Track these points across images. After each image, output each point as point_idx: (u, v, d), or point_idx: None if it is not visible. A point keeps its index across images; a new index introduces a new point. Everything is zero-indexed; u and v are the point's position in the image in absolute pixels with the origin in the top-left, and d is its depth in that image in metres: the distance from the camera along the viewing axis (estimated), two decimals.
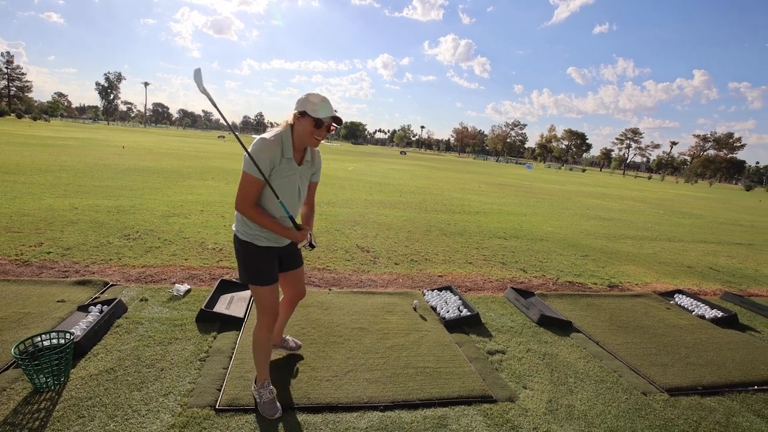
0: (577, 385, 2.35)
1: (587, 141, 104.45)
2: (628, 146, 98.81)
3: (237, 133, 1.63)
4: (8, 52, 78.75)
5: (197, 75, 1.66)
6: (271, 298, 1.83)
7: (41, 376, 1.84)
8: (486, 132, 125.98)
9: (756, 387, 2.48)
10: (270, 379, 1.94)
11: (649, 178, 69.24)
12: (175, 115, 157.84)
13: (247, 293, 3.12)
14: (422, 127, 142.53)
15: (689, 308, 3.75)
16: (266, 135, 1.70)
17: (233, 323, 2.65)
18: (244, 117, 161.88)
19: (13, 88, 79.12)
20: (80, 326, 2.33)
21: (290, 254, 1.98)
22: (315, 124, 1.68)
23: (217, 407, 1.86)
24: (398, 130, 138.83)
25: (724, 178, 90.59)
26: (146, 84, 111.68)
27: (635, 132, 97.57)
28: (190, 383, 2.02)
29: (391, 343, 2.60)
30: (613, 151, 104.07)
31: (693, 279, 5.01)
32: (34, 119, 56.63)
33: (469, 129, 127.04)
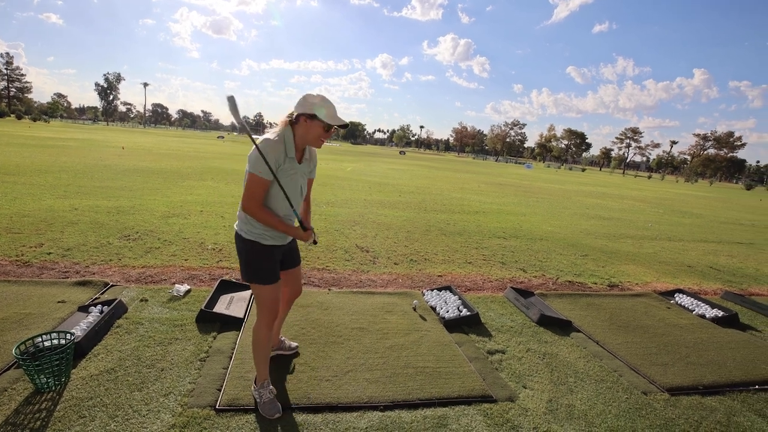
0: (578, 384, 2.35)
1: (587, 140, 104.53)
2: (628, 145, 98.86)
3: (261, 152, 1.66)
4: (8, 53, 78.96)
5: (232, 103, 1.66)
6: (272, 297, 1.85)
7: (42, 376, 1.84)
8: (485, 132, 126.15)
9: (757, 386, 2.48)
10: (270, 379, 1.94)
11: (649, 177, 69.24)
12: (175, 116, 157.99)
13: (247, 293, 3.12)
14: (421, 126, 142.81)
15: (690, 308, 3.75)
16: (269, 135, 1.71)
17: (233, 323, 2.65)
18: (244, 117, 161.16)
19: (13, 89, 79.20)
20: (81, 327, 2.33)
21: (290, 252, 2.01)
22: (324, 129, 1.73)
23: (217, 407, 1.87)
24: (397, 130, 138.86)
25: (724, 177, 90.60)
26: (145, 84, 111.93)
27: (635, 131, 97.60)
28: (191, 383, 2.02)
29: (391, 343, 2.60)
30: (612, 150, 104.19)
31: (693, 278, 5.01)
32: (34, 120, 56.66)
33: (469, 129, 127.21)
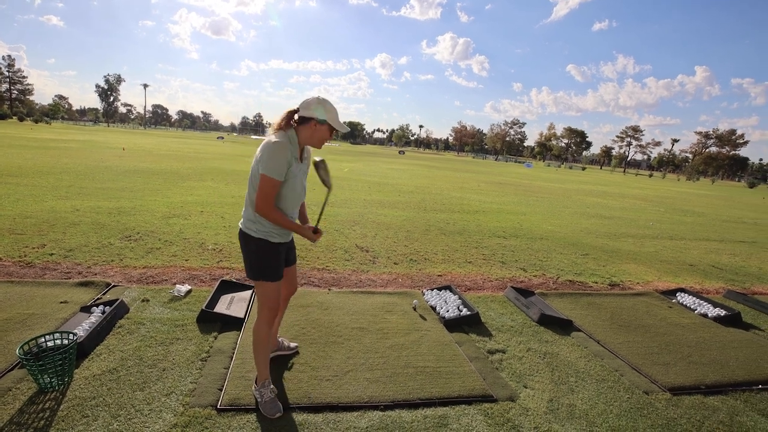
0: (578, 384, 2.35)
1: (587, 139, 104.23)
2: (629, 144, 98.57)
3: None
4: (9, 56, 79.71)
5: (323, 167, 1.86)
6: (276, 294, 1.89)
7: (45, 376, 1.85)
8: (485, 131, 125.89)
9: (760, 386, 2.47)
10: (270, 378, 1.95)
11: (650, 175, 69.03)
12: (175, 117, 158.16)
13: (247, 294, 3.13)
14: (421, 126, 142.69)
15: (691, 307, 3.74)
16: (279, 138, 1.74)
17: (234, 323, 2.66)
18: (243, 118, 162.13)
19: (15, 91, 79.42)
20: (83, 327, 2.34)
21: (290, 251, 2.05)
22: (330, 132, 1.83)
23: (218, 407, 1.87)
24: (397, 130, 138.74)
25: (726, 176, 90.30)
26: (145, 86, 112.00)
27: (636, 129, 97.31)
28: (192, 383, 2.03)
29: (391, 342, 2.61)
30: (613, 149, 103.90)
31: (695, 277, 5.00)
32: (36, 122, 56.80)
33: (468, 128, 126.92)
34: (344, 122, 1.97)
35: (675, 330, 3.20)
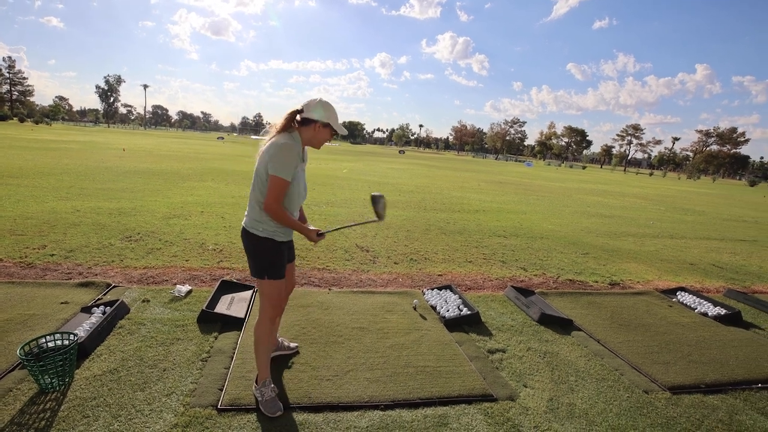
0: (578, 383, 2.35)
1: (587, 138, 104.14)
2: (629, 142, 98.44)
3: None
4: (10, 57, 79.48)
5: (381, 203, 1.99)
6: (279, 293, 1.93)
7: (46, 376, 1.86)
8: (485, 130, 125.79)
9: (760, 385, 2.47)
10: (271, 377, 1.95)
11: (651, 174, 68.99)
12: (175, 117, 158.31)
13: (248, 294, 3.14)
14: (421, 125, 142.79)
15: (692, 306, 3.74)
16: (287, 140, 1.78)
17: (234, 323, 2.66)
18: (243, 118, 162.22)
19: (15, 93, 79.46)
20: (84, 327, 2.35)
21: (290, 249, 2.09)
22: (331, 134, 1.90)
23: (219, 407, 1.88)
24: (397, 129, 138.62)
25: (727, 174, 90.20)
26: (145, 86, 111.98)
27: (636, 128, 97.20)
28: (192, 383, 2.03)
29: (392, 342, 2.61)
30: (613, 147, 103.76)
31: (696, 276, 5.00)
32: (36, 123, 56.87)
33: (468, 127, 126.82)
34: (343, 123, 2.02)
35: (675, 329, 3.20)
